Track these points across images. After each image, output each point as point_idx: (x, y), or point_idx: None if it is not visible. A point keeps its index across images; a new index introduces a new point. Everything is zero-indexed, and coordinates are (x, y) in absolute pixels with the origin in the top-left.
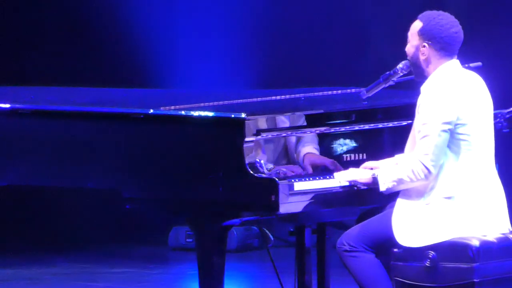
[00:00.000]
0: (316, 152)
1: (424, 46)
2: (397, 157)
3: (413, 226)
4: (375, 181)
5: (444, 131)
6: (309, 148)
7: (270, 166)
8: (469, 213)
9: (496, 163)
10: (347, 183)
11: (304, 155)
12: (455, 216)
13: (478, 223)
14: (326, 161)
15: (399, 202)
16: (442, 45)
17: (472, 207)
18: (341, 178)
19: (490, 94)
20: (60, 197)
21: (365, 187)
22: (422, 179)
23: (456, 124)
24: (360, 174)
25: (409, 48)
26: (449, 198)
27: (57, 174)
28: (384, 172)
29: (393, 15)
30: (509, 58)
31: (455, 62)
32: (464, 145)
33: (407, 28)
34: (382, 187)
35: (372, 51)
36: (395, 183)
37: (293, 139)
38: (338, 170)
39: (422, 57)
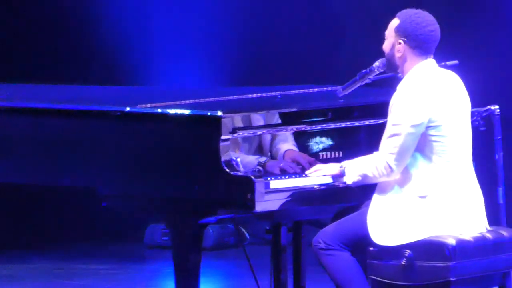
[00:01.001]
0: (296, 149)
1: (399, 43)
2: (375, 154)
3: (389, 225)
4: (342, 173)
5: (413, 133)
6: (288, 145)
7: (264, 159)
8: (443, 212)
9: (473, 162)
10: (330, 180)
11: (285, 151)
12: (430, 215)
13: (453, 222)
14: (306, 159)
15: (375, 198)
16: (417, 43)
17: (447, 207)
18: (313, 175)
19: (467, 93)
20: (37, 195)
21: (344, 184)
22: (385, 176)
23: (428, 126)
24: (328, 168)
25: (386, 45)
26: (423, 197)
27: (33, 172)
28: (351, 165)
29: (369, 13)
30: (486, 56)
31: (431, 62)
32: (438, 146)
33: (383, 26)
34: (348, 180)
35: (348, 49)
36: (360, 178)
37: (267, 136)
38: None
39: (397, 54)
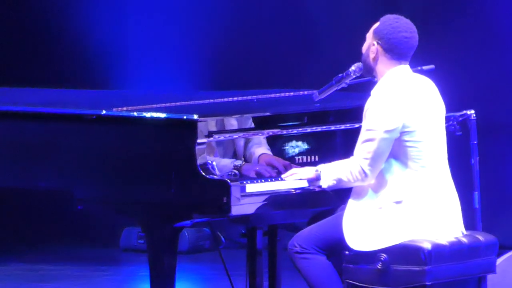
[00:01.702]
0: (270, 153)
1: (373, 45)
2: (351, 158)
3: (364, 231)
4: (318, 177)
5: (386, 139)
6: (263, 149)
7: (239, 162)
8: (419, 218)
9: (449, 166)
10: (306, 184)
11: (260, 155)
12: (405, 220)
13: (429, 227)
14: (281, 162)
15: (350, 203)
16: (388, 47)
17: (422, 212)
18: (289, 179)
19: (442, 98)
20: (12, 197)
21: (320, 188)
22: (359, 181)
23: (403, 132)
24: (304, 172)
25: (364, 46)
26: (398, 202)
27: (8, 174)
28: (326, 169)
29: (346, 17)
30: (462, 61)
31: (404, 68)
32: (413, 152)
33: (360, 30)
34: (324, 184)
35: (324, 53)
36: (335, 182)
37: (241, 141)
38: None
39: (371, 55)
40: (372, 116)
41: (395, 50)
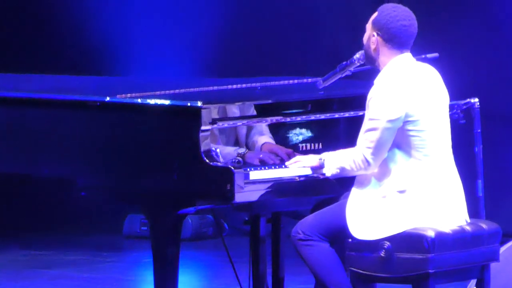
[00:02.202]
0: (273, 141)
1: (373, 36)
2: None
3: (367, 220)
4: (321, 165)
5: (390, 128)
6: (265, 138)
7: (243, 150)
8: (422, 207)
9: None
10: (310, 172)
11: (262, 144)
12: (409, 209)
13: (432, 216)
14: (284, 150)
15: (354, 192)
16: (388, 36)
17: (426, 201)
18: (292, 166)
19: (445, 86)
20: (15, 184)
21: (314, 172)
22: (362, 170)
23: (406, 121)
24: (308, 160)
25: (364, 37)
26: (402, 192)
27: (11, 161)
28: (330, 157)
29: (350, 4)
30: (466, 49)
31: (407, 56)
32: (416, 141)
33: (363, 18)
34: (327, 172)
35: (328, 40)
36: (338, 170)
37: (243, 129)
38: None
39: (372, 46)
40: (375, 105)
41: (395, 40)
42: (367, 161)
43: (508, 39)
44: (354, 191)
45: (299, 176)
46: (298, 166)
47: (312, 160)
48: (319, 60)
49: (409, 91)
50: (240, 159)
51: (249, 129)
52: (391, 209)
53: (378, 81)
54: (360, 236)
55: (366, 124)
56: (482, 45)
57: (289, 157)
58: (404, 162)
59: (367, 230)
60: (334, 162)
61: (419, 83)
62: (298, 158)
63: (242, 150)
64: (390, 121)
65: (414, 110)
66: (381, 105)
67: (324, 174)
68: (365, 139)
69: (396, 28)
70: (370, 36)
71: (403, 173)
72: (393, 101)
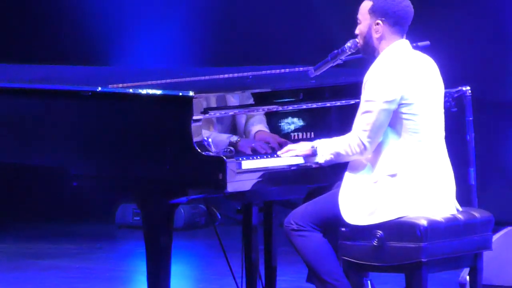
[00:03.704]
0: (267, 130)
1: (377, 24)
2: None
3: (360, 204)
4: (314, 153)
5: (385, 110)
6: (260, 126)
7: (235, 138)
8: (413, 191)
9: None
10: (302, 161)
11: (256, 132)
12: (400, 194)
13: (423, 201)
14: (276, 139)
15: (347, 177)
16: (395, 20)
17: (417, 185)
18: (284, 155)
19: (441, 76)
20: (7, 174)
21: (317, 165)
22: (358, 154)
23: (401, 104)
24: (300, 148)
25: (362, 29)
26: (392, 175)
27: (3, 151)
28: (323, 144)
29: None
30: (457, 37)
31: (404, 42)
32: (409, 125)
33: (355, 6)
34: (321, 159)
35: (319, 29)
36: (332, 156)
37: (242, 118)
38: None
39: (376, 35)
40: (371, 87)
41: (401, 21)
42: (363, 144)
43: (499, 27)
44: (347, 175)
45: (291, 165)
46: (290, 155)
47: (304, 148)
48: (311, 49)
49: (405, 74)
50: (232, 148)
51: (248, 118)
52: (383, 194)
53: (375, 65)
54: (352, 221)
55: (362, 107)
56: (473, 33)
57: (281, 146)
58: (397, 146)
59: (359, 215)
60: (327, 148)
61: (416, 68)
62: (290, 147)
63: (234, 138)
64: (386, 102)
65: (410, 94)
66: (378, 86)
67: (317, 163)
68: (361, 121)
69: (402, 10)
70: (372, 24)
71: (395, 157)
72: (390, 82)
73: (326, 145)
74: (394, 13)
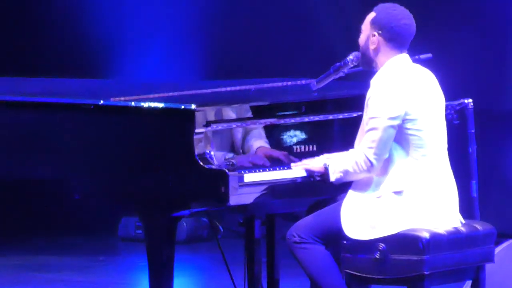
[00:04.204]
0: (268, 146)
1: (374, 35)
2: (351, 151)
3: (362, 219)
4: (326, 171)
5: (391, 126)
6: (261, 142)
7: (230, 155)
8: (419, 208)
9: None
10: (305, 174)
11: (257, 148)
12: (405, 210)
13: (428, 218)
14: (279, 153)
15: (350, 194)
16: (391, 35)
17: (422, 202)
18: (297, 169)
19: (441, 89)
20: (10, 187)
21: (319, 178)
22: (365, 171)
23: (405, 120)
24: (314, 164)
25: (361, 38)
26: (398, 192)
27: (5, 165)
28: (334, 162)
29: (344, 6)
30: (460, 49)
31: (405, 57)
32: (414, 140)
33: (357, 19)
34: (332, 177)
35: (322, 42)
36: (341, 174)
37: (238, 133)
38: (290, 161)
39: (371, 47)
40: (375, 104)
41: (398, 39)
42: (370, 161)
43: (501, 39)
44: (351, 192)
45: (294, 178)
46: (303, 169)
47: (317, 165)
48: (313, 62)
49: (408, 89)
50: (234, 161)
51: (246, 133)
52: (386, 209)
53: (376, 80)
54: (354, 236)
55: (366, 125)
56: (475, 46)
57: (287, 158)
58: (402, 162)
59: (361, 229)
60: (337, 166)
61: (418, 83)
62: (305, 161)
63: (230, 155)
64: (391, 118)
65: (413, 109)
66: (382, 103)
67: (320, 176)
68: (366, 139)
69: (399, 27)
70: (370, 36)
71: (401, 174)
72: (394, 98)
73: (337, 163)
74: (391, 28)
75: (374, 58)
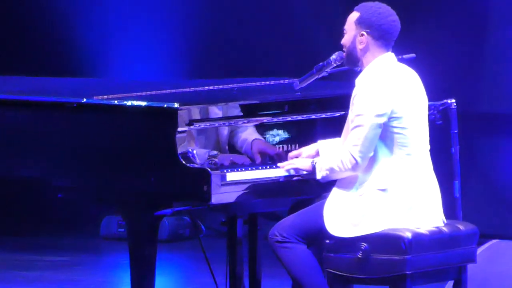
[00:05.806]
0: (262, 138)
1: (362, 35)
2: (320, 142)
3: (344, 216)
4: (314, 169)
5: (377, 124)
6: (255, 134)
7: (214, 153)
8: (402, 206)
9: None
10: (293, 173)
11: (253, 140)
12: (388, 208)
13: (411, 215)
14: (274, 150)
15: (334, 192)
16: (380, 33)
17: (406, 200)
18: (285, 168)
19: (424, 89)
20: None
21: (307, 176)
22: (350, 170)
23: (391, 118)
24: (302, 163)
25: (346, 39)
26: (383, 190)
27: None
28: (321, 160)
29: (326, 5)
30: (442, 50)
31: (390, 55)
32: (399, 139)
33: (340, 18)
34: (318, 175)
35: (305, 41)
36: (327, 172)
37: (224, 131)
38: (281, 161)
39: (359, 46)
40: (361, 101)
41: (386, 36)
42: (355, 159)
43: (484, 40)
44: (334, 190)
45: (276, 177)
46: (291, 168)
47: (305, 163)
48: (296, 62)
49: (394, 88)
50: (216, 160)
51: (232, 129)
52: (368, 207)
53: (362, 79)
54: (336, 234)
55: (353, 122)
56: (459, 46)
57: (279, 156)
58: (387, 161)
59: (343, 227)
60: (323, 164)
61: (403, 82)
62: (292, 161)
63: (213, 152)
64: (377, 116)
65: (399, 107)
66: (368, 100)
67: (308, 175)
68: (352, 137)
69: (387, 24)
70: (357, 36)
71: (386, 172)
72: (380, 96)
73: (323, 161)
74: (379, 27)
75: (361, 58)
